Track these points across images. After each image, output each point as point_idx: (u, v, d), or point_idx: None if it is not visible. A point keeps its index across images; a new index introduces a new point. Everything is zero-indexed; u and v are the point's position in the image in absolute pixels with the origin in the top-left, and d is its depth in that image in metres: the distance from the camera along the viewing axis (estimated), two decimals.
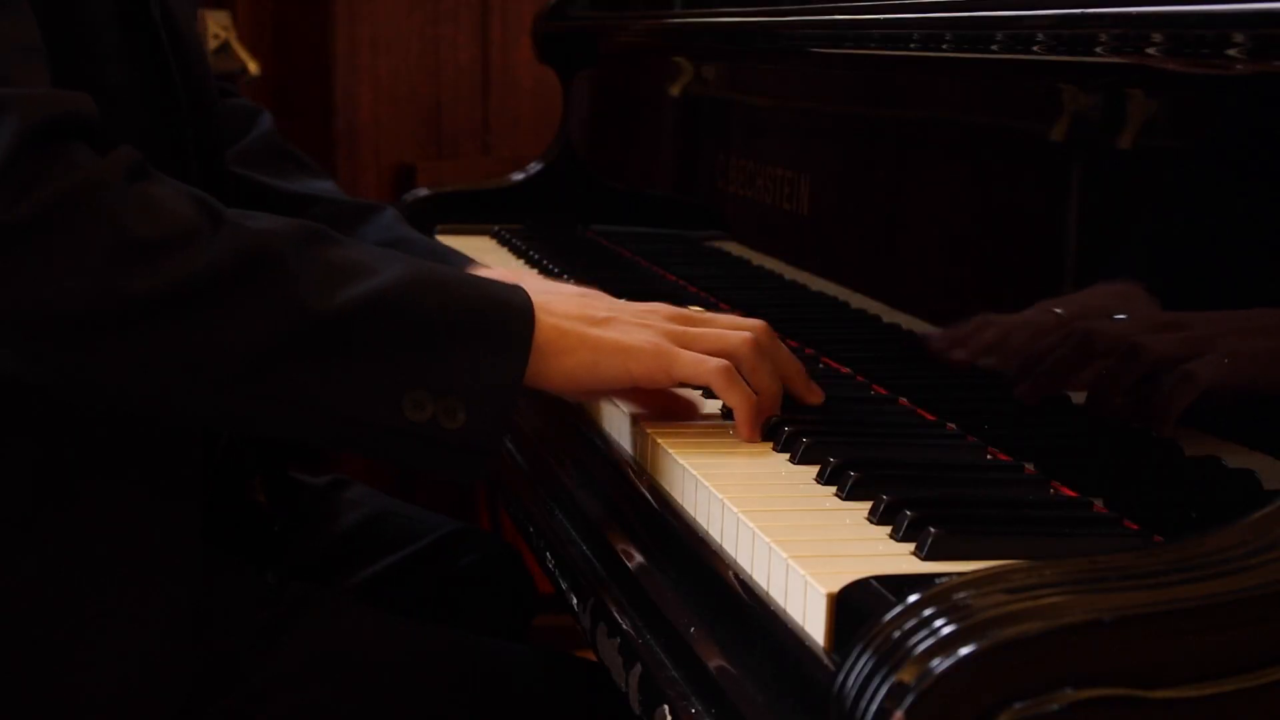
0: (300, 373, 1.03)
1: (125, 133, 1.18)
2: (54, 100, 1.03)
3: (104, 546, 1.18)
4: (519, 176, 2.27)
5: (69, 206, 1.00)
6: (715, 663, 0.89)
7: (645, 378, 1.13)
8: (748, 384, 1.14)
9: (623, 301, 1.19)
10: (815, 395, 1.19)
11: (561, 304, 1.13)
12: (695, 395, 1.26)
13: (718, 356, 1.13)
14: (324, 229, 1.09)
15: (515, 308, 1.09)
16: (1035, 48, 1.09)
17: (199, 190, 1.08)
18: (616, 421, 1.23)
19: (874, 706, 0.66)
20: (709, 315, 1.19)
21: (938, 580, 0.71)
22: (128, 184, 1.03)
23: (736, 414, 1.14)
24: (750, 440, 1.13)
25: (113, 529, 1.19)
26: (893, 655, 0.67)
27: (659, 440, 1.13)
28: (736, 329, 1.16)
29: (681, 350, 1.12)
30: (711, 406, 1.23)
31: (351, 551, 1.50)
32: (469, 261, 1.48)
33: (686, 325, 1.16)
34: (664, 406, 1.20)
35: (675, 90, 1.92)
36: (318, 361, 1.04)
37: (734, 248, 1.74)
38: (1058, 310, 1.09)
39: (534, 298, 1.11)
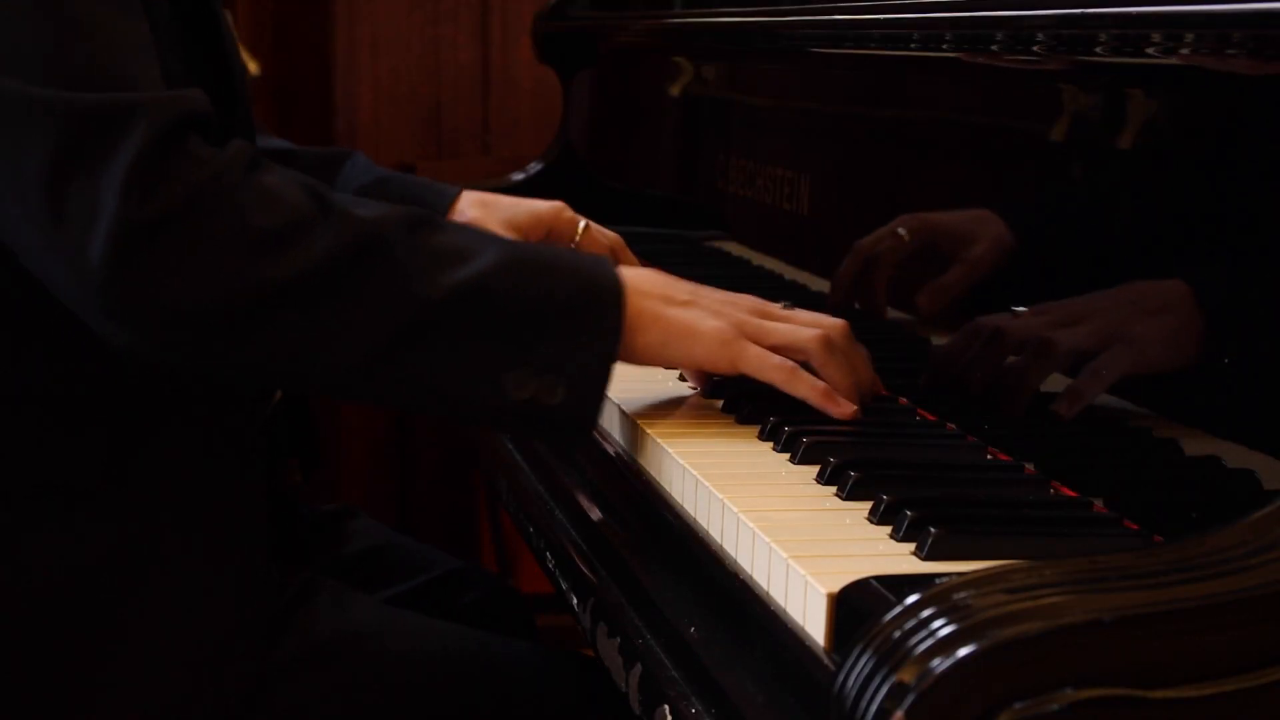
0: (409, 357, 1.08)
1: None
2: (177, 101, 1.07)
3: (170, 521, 1.21)
4: (519, 176, 2.26)
5: (197, 202, 1.04)
6: (715, 662, 0.89)
7: (709, 364, 1.16)
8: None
9: (708, 288, 1.20)
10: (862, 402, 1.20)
11: (645, 281, 1.16)
12: (686, 389, 1.26)
13: (788, 351, 1.15)
14: (425, 213, 1.13)
15: (607, 288, 1.12)
16: (1035, 48, 1.09)
17: (306, 177, 1.11)
18: (614, 419, 1.23)
19: (874, 706, 0.66)
20: (790, 312, 1.21)
21: (938, 580, 0.71)
22: (247, 176, 1.07)
23: (812, 403, 1.15)
24: (846, 416, 1.14)
25: (181, 504, 1.22)
26: (893, 655, 0.67)
27: (658, 439, 1.13)
28: (813, 323, 1.18)
29: (749, 344, 1.15)
30: (712, 403, 1.23)
31: (354, 580, 1.50)
32: (454, 193, 1.55)
33: (764, 319, 1.18)
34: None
35: (675, 90, 1.92)
36: (424, 345, 1.08)
37: (734, 248, 1.74)
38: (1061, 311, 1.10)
39: (622, 273, 1.14)
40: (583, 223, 1.56)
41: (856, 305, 1.39)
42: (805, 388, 1.15)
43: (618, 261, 1.53)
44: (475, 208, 1.56)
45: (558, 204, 1.57)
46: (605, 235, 1.57)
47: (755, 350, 1.15)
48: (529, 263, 1.12)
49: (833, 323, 1.19)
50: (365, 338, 1.07)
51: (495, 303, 1.09)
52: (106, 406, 1.19)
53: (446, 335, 1.08)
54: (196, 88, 1.11)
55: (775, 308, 1.20)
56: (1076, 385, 1.04)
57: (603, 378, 1.10)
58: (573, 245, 1.56)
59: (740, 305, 1.19)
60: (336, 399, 1.22)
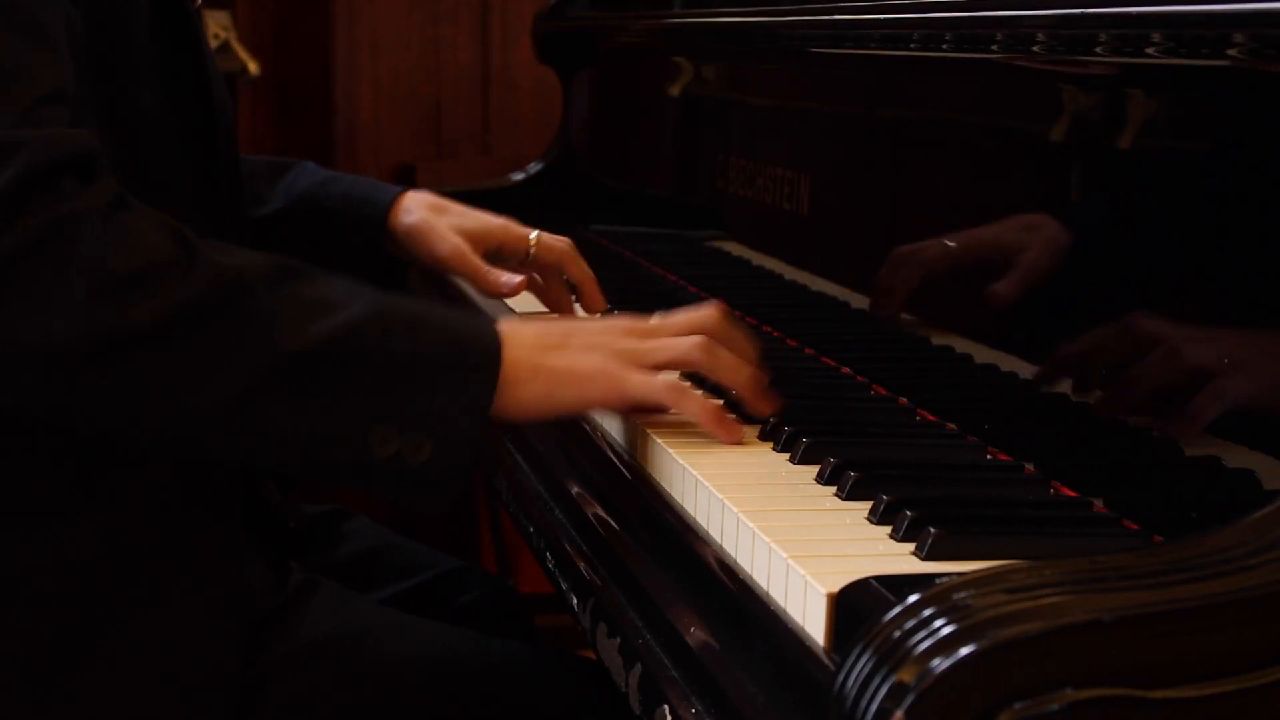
0: (268, 409, 1.05)
1: (163, 156, 1.20)
2: (58, 141, 1.05)
3: (145, 539, 1.21)
4: (519, 176, 2.27)
5: (48, 239, 1.01)
6: (715, 662, 0.89)
7: (600, 404, 1.15)
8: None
9: (581, 321, 1.19)
10: (765, 391, 1.20)
11: (519, 333, 1.13)
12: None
13: (674, 366, 1.14)
14: (296, 264, 1.10)
15: (482, 344, 1.10)
16: (1035, 48, 1.09)
17: (175, 221, 1.09)
18: (613, 420, 1.23)
19: (874, 706, 0.66)
20: (664, 322, 1.18)
21: (938, 580, 0.71)
22: (107, 216, 1.04)
23: (700, 423, 1.14)
24: (731, 441, 1.13)
25: (155, 523, 1.21)
26: (893, 655, 0.67)
27: (658, 439, 1.13)
28: (691, 328, 1.16)
29: (632, 371, 1.13)
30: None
31: (350, 581, 1.50)
32: (395, 193, 1.54)
33: (642, 338, 1.16)
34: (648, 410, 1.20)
35: (675, 90, 1.92)
36: (286, 398, 1.05)
37: (734, 248, 1.74)
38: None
39: (500, 328, 1.11)
40: (533, 235, 1.55)
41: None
42: (695, 407, 1.13)
43: (566, 272, 1.53)
44: (425, 209, 1.55)
45: (505, 219, 1.56)
46: (558, 243, 1.55)
47: (639, 378, 1.13)
48: (400, 316, 1.09)
49: (707, 317, 1.17)
50: (220, 389, 1.04)
51: (360, 356, 1.06)
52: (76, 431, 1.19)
53: (308, 388, 1.05)
54: (84, 129, 1.08)
55: (651, 323, 1.18)
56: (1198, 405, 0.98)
57: (473, 436, 1.07)
58: (527, 257, 1.55)
59: (614, 331, 1.16)
60: (194, 455, 1.17)
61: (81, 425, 1.11)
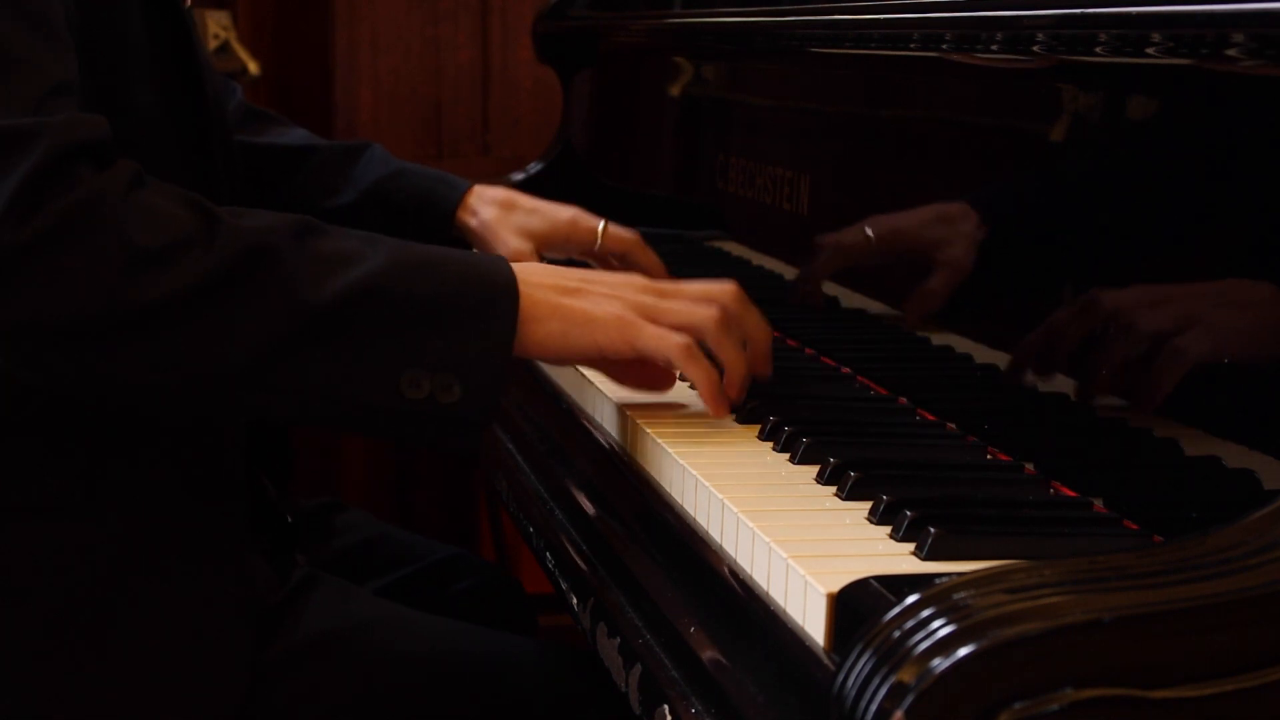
0: (301, 363, 1.07)
1: (157, 155, 1.23)
2: (74, 127, 1.06)
3: (151, 534, 1.22)
4: (519, 176, 2.26)
5: (73, 222, 1.03)
6: (715, 662, 0.89)
7: (610, 349, 1.16)
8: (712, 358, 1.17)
9: (596, 272, 1.21)
10: (766, 368, 1.22)
11: (536, 273, 1.16)
12: (686, 390, 1.26)
13: (685, 330, 1.15)
14: (311, 220, 1.12)
15: (499, 283, 1.12)
16: (1035, 48, 1.09)
17: (193, 193, 1.10)
18: (612, 418, 1.23)
19: (874, 706, 0.66)
20: (679, 287, 1.21)
21: (938, 580, 0.71)
22: (127, 194, 1.06)
23: (699, 390, 1.16)
24: (719, 416, 1.16)
25: (160, 518, 1.23)
26: (893, 655, 0.67)
27: (657, 439, 1.13)
28: (707, 300, 1.18)
29: (646, 324, 1.15)
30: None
31: (345, 573, 1.51)
32: (464, 187, 1.59)
33: (659, 297, 1.18)
34: (648, 384, 1.23)
35: (675, 90, 1.92)
36: (317, 351, 1.07)
37: (734, 248, 1.74)
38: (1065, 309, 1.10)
39: (514, 268, 1.14)
40: (600, 227, 1.57)
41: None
42: (699, 372, 1.15)
43: (634, 262, 1.55)
44: (492, 207, 1.58)
45: (573, 211, 1.58)
46: (626, 234, 1.58)
47: (652, 330, 1.15)
48: (418, 262, 1.11)
49: (724, 291, 1.19)
50: (252, 349, 1.06)
51: (385, 303, 1.08)
52: (83, 428, 1.20)
53: (337, 339, 1.07)
54: (98, 114, 1.10)
55: (668, 284, 1.20)
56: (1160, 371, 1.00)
57: (500, 372, 1.10)
58: (595, 249, 1.57)
59: (633, 285, 1.19)
60: (230, 414, 1.21)
61: (114, 398, 1.13)
